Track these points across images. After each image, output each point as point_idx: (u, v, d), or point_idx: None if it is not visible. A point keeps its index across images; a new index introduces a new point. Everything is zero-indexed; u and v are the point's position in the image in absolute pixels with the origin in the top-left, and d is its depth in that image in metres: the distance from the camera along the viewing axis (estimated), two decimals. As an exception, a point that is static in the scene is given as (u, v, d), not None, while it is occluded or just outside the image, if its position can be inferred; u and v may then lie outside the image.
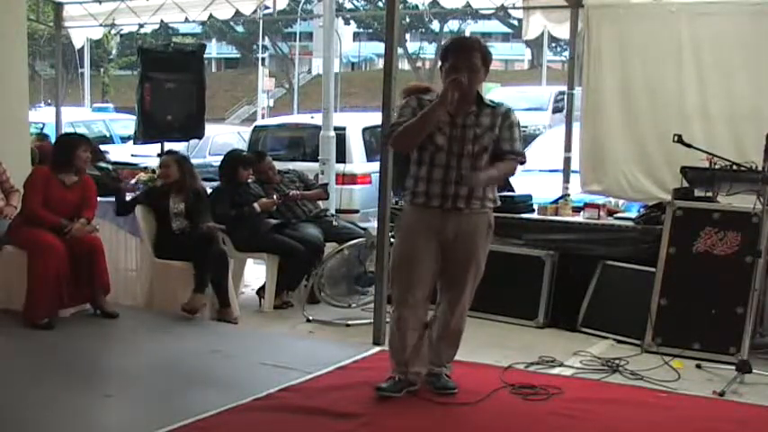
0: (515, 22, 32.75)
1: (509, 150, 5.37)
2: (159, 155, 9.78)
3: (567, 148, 9.26)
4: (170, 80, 9.54)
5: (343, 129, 12.20)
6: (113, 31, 13.21)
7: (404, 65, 49.97)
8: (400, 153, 7.99)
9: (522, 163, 5.49)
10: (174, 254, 7.52)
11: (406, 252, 5.43)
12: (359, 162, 12.10)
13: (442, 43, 6.12)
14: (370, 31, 55.13)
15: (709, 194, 6.84)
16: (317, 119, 12.68)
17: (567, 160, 9.21)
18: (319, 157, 11.73)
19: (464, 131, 5.29)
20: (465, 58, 5.25)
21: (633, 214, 7.69)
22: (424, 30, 55.73)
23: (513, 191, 8.02)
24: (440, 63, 5.46)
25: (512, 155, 5.38)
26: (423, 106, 5.30)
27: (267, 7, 11.42)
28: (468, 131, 5.29)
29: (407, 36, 53.29)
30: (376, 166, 7.19)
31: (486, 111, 5.36)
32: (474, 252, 5.41)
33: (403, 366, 5.47)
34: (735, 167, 6.55)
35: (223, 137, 18.54)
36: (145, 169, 9.51)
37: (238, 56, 62.55)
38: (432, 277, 5.43)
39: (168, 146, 9.91)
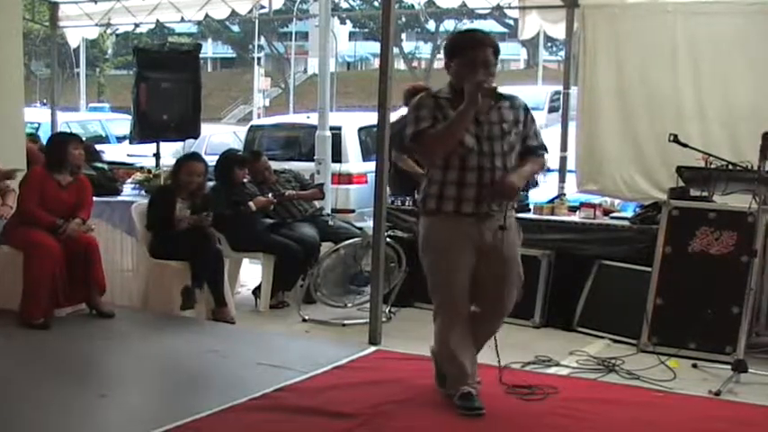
0: (511, 22, 32.73)
1: (537, 146, 5.30)
2: (155, 155, 9.78)
3: (563, 148, 9.28)
4: (166, 80, 9.51)
5: (339, 128, 12.19)
6: (109, 31, 13.24)
7: (400, 64, 49.97)
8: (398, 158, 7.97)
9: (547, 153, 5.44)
10: (172, 254, 7.50)
11: (448, 268, 5.19)
12: (355, 162, 12.09)
13: (448, 38, 5.69)
14: (366, 30, 55.16)
15: (705, 194, 6.84)
16: (312, 118, 12.67)
17: (564, 160, 9.23)
18: (315, 157, 11.71)
19: (491, 128, 5.11)
20: (479, 53, 5.08)
21: (629, 214, 7.69)
22: (419, 29, 55.72)
23: (537, 185, 8.07)
24: (446, 59, 5.24)
25: (540, 150, 5.32)
26: (440, 106, 5.13)
27: (263, 7, 11.44)
28: (495, 128, 5.12)
29: (403, 36, 53.34)
30: (372, 165, 7.19)
31: (505, 104, 5.20)
32: (515, 256, 5.29)
33: (470, 378, 5.27)
34: (731, 167, 6.55)
35: (219, 136, 18.52)
36: (141, 169, 9.50)
37: (234, 55, 62.50)
38: (468, 288, 5.26)
39: (166, 145, 9.94)
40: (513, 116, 5.19)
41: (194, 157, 8.15)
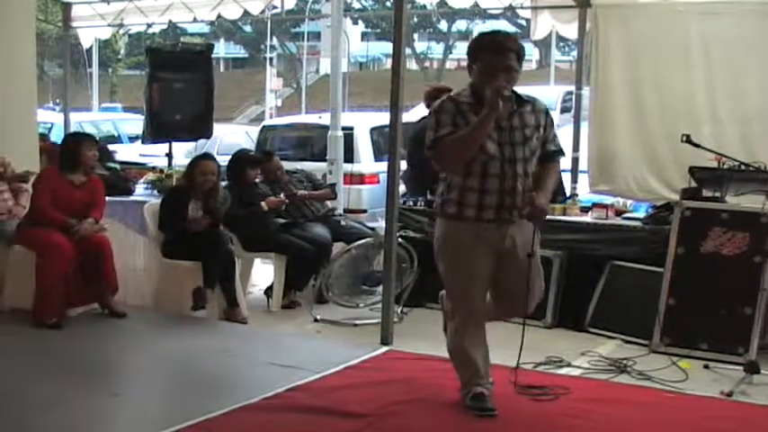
0: (523, 22, 32.66)
1: (555, 150, 5.24)
2: (167, 155, 9.80)
3: (576, 148, 9.26)
4: (178, 80, 9.53)
5: (351, 129, 12.19)
6: (121, 31, 13.24)
7: (412, 65, 49.97)
8: (416, 157, 7.99)
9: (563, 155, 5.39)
10: (184, 254, 7.51)
11: (466, 272, 5.14)
12: (367, 162, 12.09)
13: (472, 40, 5.53)
14: (378, 30, 55.13)
15: (718, 195, 6.83)
16: (324, 119, 12.68)
17: (576, 160, 9.22)
18: (327, 157, 11.72)
19: (512, 134, 5.00)
20: (500, 59, 4.97)
21: (641, 214, 7.68)
22: (431, 30, 55.72)
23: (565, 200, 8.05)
24: (468, 61, 5.14)
25: (558, 155, 5.27)
26: (461, 111, 5.02)
27: (275, 7, 11.43)
28: (517, 133, 5.01)
29: (415, 36, 53.32)
30: (384, 165, 7.18)
31: (527, 108, 5.09)
32: (534, 256, 5.21)
33: (482, 379, 5.28)
34: (743, 168, 6.53)
35: (231, 136, 18.51)
36: (153, 169, 9.52)
37: (246, 56, 62.57)
38: (486, 290, 5.28)
39: (179, 145, 9.93)
40: (534, 120, 5.10)
41: (207, 156, 8.19)
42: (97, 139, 8.74)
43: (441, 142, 5.01)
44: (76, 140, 7.65)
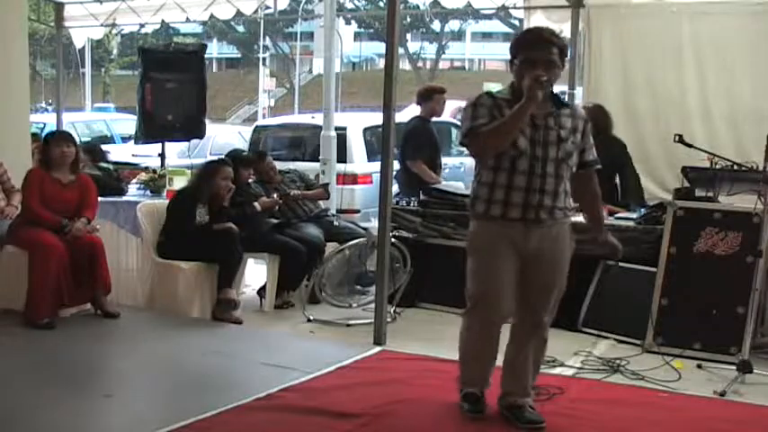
0: (516, 22, 32.75)
1: (593, 160, 5.12)
2: (160, 155, 9.79)
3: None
4: (171, 80, 9.53)
5: (344, 129, 12.20)
6: (114, 31, 13.23)
7: (405, 65, 49.99)
8: (411, 154, 7.93)
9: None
10: (181, 254, 7.50)
11: (488, 273, 5.02)
12: (360, 162, 12.10)
13: (514, 37, 5.56)
14: (371, 30, 55.18)
15: (710, 194, 6.83)
16: (317, 119, 12.69)
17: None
18: (320, 157, 11.73)
19: (546, 133, 4.89)
20: (541, 53, 4.84)
21: (634, 214, 7.67)
22: (424, 30, 55.77)
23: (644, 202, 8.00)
24: (510, 57, 5.02)
25: (596, 164, 5.15)
26: (498, 105, 4.92)
27: (268, 7, 11.46)
28: (551, 133, 4.89)
29: (408, 36, 53.34)
30: (377, 165, 7.18)
31: (565, 111, 4.98)
32: (560, 265, 5.09)
33: (483, 381, 5.23)
34: (736, 167, 6.54)
35: (224, 137, 18.50)
36: (146, 169, 9.51)
37: (239, 56, 62.56)
38: (514, 295, 5.09)
39: (171, 146, 9.89)
40: (571, 124, 4.99)
41: (224, 162, 8.15)
42: (88, 140, 8.73)
43: (476, 132, 4.90)
44: (47, 139, 7.64)
